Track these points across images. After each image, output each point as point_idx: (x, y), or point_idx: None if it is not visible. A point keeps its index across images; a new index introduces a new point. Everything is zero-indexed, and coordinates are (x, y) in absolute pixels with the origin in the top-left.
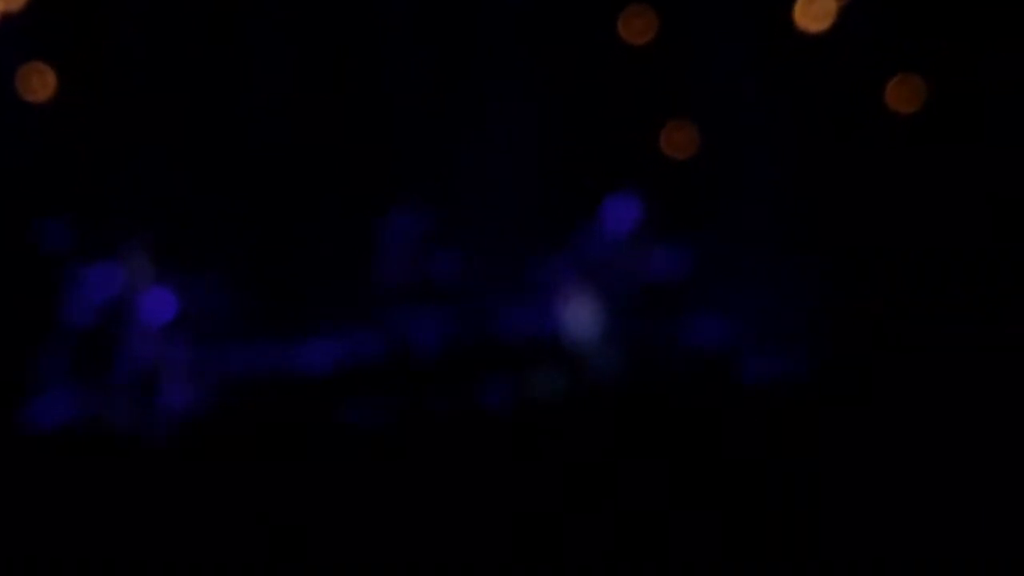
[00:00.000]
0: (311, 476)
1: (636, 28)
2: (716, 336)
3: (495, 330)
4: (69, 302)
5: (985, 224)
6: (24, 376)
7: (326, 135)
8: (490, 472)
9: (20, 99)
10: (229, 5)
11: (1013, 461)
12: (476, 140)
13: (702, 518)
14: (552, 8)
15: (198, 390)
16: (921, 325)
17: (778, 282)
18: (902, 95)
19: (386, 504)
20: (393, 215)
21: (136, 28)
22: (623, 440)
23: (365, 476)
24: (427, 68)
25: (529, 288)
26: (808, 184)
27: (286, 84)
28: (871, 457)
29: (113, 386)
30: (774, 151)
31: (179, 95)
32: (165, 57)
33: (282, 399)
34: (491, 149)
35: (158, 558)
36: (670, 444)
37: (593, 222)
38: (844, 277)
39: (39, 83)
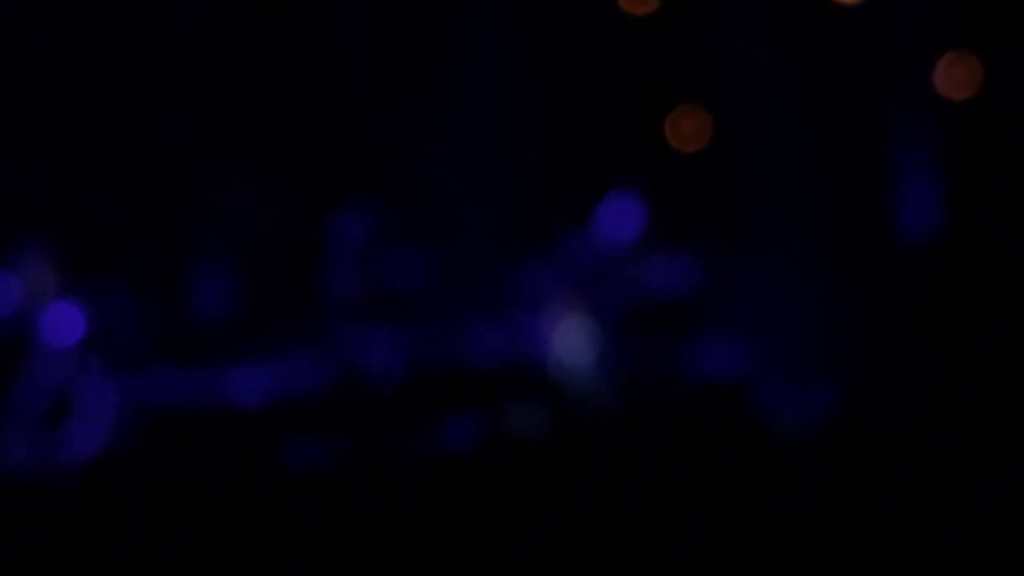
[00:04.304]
0: (242, 527)
1: None
2: (729, 362)
3: (464, 354)
4: None
5: None
6: None
7: (260, 123)
8: (456, 526)
9: None
10: None
11: None
12: (443, 124)
13: (712, 572)
14: None
15: (111, 424)
16: (967, 351)
17: (801, 300)
18: (955, 78)
19: (331, 562)
20: (342, 215)
21: (36, 17)
22: (618, 486)
23: (306, 528)
24: (381, 36)
25: (507, 304)
26: (839, 183)
27: (210, 69)
28: (901, 504)
29: (11, 417)
30: (799, 143)
31: (91, 85)
32: (73, 48)
33: (209, 436)
34: (461, 135)
35: None
36: (674, 489)
37: (585, 226)
38: (878, 294)
39: None
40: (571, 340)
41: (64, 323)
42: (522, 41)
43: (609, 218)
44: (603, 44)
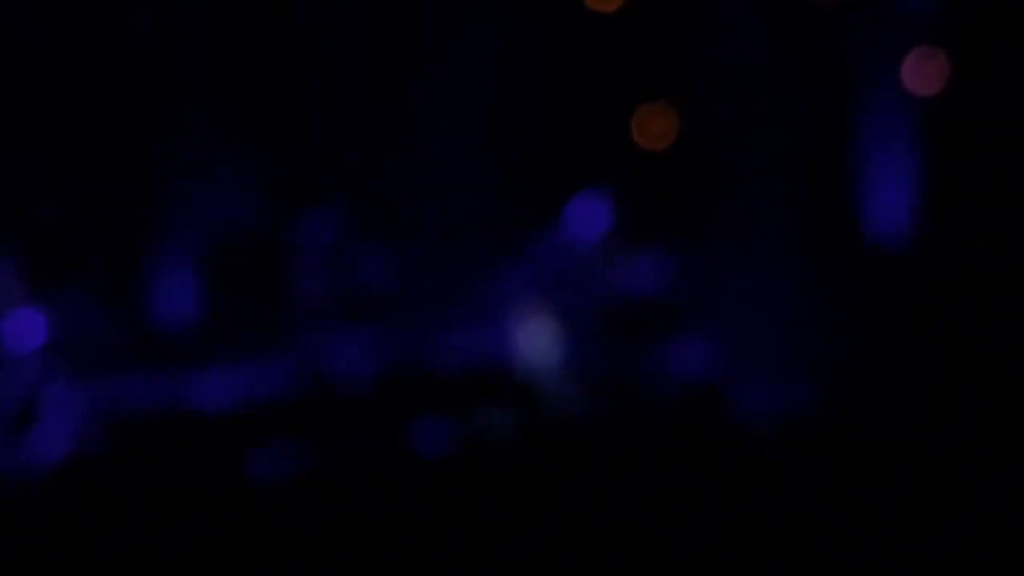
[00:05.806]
0: (209, 536)
1: None
2: (702, 364)
3: (436, 357)
4: None
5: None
6: None
7: (228, 124)
8: (427, 532)
9: None
10: None
11: None
12: (411, 125)
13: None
14: None
15: (75, 430)
16: (948, 350)
17: (776, 299)
18: (922, 73)
19: (302, 569)
20: (311, 217)
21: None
22: (590, 491)
23: (274, 536)
24: (347, 39)
25: (478, 306)
26: (814, 180)
27: (178, 73)
28: (883, 510)
29: None
30: (772, 139)
31: (53, 90)
32: (38, 47)
33: (177, 441)
34: (429, 134)
35: None
36: (647, 495)
37: (553, 226)
38: (854, 292)
39: None
40: (543, 342)
41: (28, 328)
42: (489, 41)
43: (580, 218)
44: (570, 42)
